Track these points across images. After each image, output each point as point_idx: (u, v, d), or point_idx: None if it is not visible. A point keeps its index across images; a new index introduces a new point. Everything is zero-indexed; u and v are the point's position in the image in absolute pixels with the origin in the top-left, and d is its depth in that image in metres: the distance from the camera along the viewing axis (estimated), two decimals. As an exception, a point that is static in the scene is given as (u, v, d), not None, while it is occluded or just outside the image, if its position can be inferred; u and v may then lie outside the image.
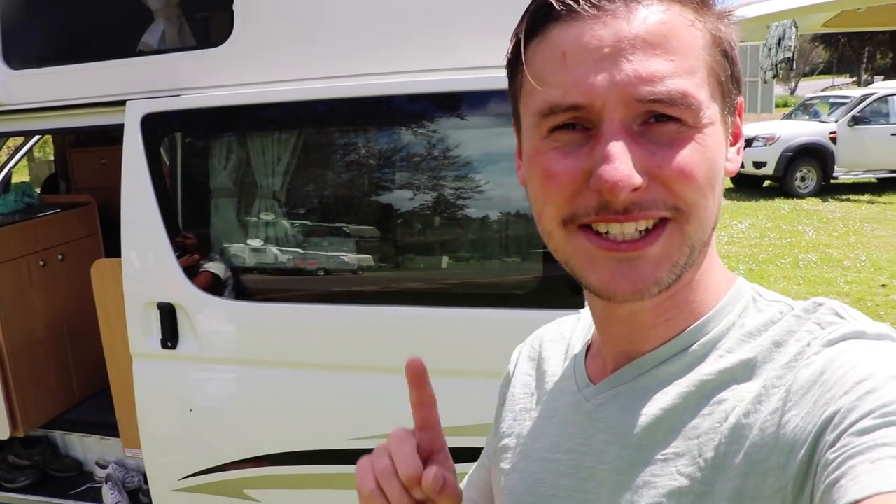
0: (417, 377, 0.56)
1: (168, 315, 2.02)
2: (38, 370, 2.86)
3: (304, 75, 1.91)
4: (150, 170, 2.00)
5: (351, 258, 2.02)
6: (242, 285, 2.07)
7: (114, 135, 2.17)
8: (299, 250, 2.07)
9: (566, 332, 0.70)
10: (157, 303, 2.02)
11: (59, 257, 3.04)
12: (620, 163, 0.48)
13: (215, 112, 1.99)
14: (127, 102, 2.03)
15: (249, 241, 2.09)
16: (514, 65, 0.55)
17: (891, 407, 0.42)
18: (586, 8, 0.49)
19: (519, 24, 0.54)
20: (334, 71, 1.90)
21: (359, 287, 2.01)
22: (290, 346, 1.97)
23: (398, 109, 1.93)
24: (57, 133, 2.36)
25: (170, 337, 2.03)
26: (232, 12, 1.96)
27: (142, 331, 2.06)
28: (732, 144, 0.56)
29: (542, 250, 1.78)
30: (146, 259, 2.04)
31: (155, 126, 2.01)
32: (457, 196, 1.94)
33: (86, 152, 3.77)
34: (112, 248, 3.33)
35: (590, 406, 0.59)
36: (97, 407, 3.03)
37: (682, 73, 0.49)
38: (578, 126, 0.51)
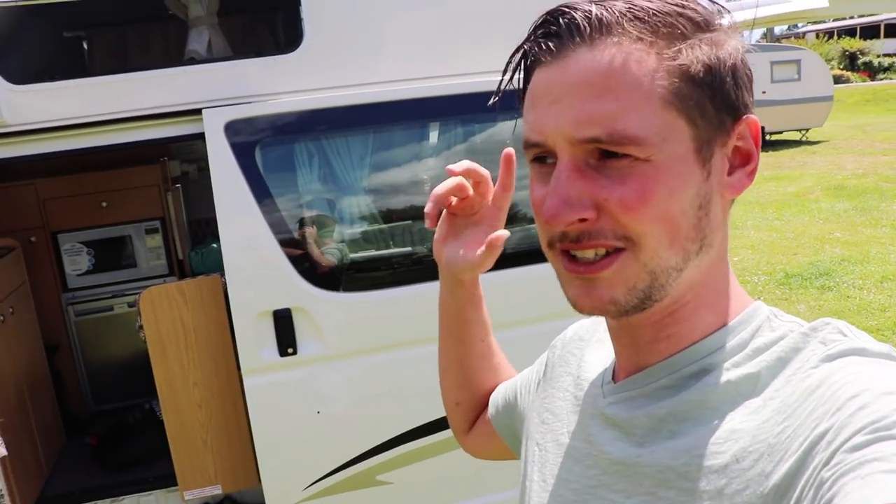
0: (507, 163, 0.73)
1: (285, 321, 1.99)
2: (19, 443, 2.43)
3: (376, 79, 2.06)
4: (246, 176, 1.96)
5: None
6: (362, 278, 2.12)
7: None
8: (404, 238, 2.18)
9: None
10: (273, 310, 1.98)
11: (10, 310, 2.59)
12: (557, 197, 0.53)
13: (302, 115, 2.02)
14: (204, 111, 1.95)
15: (361, 236, 2.14)
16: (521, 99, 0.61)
17: (882, 422, 0.43)
18: (547, 57, 0.55)
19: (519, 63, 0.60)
20: (403, 74, 2.08)
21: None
22: (412, 326, 2.07)
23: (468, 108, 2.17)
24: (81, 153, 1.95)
25: (289, 343, 2.00)
26: (300, 19, 2.02)
27: (255, 344, 1.99)
28: (741, 166, 0.57)
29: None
30: (255, 269, 1.98)
31: (240, 132, 1.97)
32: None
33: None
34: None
35: (604, 402, 0.64)
36: (86, 470, 2.67)
37: (624, 111, 0.51)
38: (549, 159, 0.56)
